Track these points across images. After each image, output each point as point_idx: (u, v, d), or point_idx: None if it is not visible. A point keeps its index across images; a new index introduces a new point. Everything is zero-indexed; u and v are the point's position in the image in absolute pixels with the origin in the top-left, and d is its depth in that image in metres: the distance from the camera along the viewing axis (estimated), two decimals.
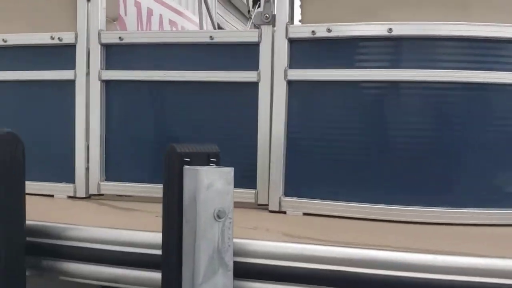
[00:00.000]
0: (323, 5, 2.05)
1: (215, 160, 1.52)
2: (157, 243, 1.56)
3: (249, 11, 6.16)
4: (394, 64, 1.97)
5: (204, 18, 4.93)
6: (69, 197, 2.37)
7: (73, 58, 2.34)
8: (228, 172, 1.44)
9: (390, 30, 1.93)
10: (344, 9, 2.02)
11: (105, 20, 2.34)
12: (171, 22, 4.78)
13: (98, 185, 2.34)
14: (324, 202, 2.04)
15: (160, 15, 4.50)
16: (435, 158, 1.97)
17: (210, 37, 2.17)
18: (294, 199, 2.09)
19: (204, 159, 1.50)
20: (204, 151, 1.50)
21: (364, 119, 2.03)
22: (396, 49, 1.97)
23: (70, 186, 2.36)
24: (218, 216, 1.41)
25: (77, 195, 2.36)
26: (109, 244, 1.65)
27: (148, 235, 1.62)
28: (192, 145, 1.50)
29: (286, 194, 2.11)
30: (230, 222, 1.44)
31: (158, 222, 1.90)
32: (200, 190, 1.38)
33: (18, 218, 1.62)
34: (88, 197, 2.38)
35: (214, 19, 5.11)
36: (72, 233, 1.72)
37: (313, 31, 2.02)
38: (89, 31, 2.32)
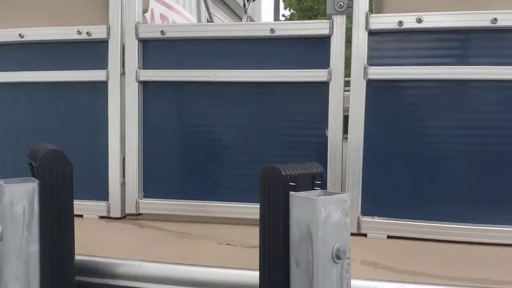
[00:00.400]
0: None
1: (319, 182, 1.21)
2: (246, 284, 1.25)
3: (244, 5, 5.86)
4: (498, 60, 1.67)
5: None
6: (101, 217, 2.04)
7: (104, 55, 2.00)
8: (345, 200, 1.13)
9: (494, 20, 1.64)
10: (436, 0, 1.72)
11: (142, 11, 2.01)
12: (162, 17, 4.52)
13: (137, 203, 2.01)
14: (415, 223, 1.74)
15: (152, 9, 4.22)
16: None
17: (271, 29, 1.85)
18: (376, 219, 1.78)
19: (309, 182, 1.19)
20: (309, 172, 1.19)
21: (460, 124, 1.73)
22: (502, 43, 1.67)
23: (102, 204, 2.03)
24: (338, 256, 1.10)
25: (111, 215, 2.03)
26: (181, 285, 1.33)
27: (232, 273, 1.31)
28: (292, 164, 1.19)
29: (365, 213, 1.80)
30: (348, 264, 1.13)
31: (226, 250, 1.60)
32: (317, 225, 1.07)
33: (67, 254, 1.29)
34: (123, 217, 2.05)
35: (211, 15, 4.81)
36: (129, 270, 1.40)
37: (400, 22, 1.71)
38: (123, 24, 1.98)
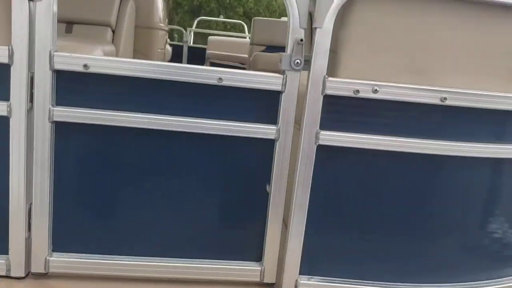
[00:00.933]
0: (367, 59, 1.68)
1: None
2: None
3: None
4: (444, 136, 1.73)
5: None
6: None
7: (5, 85, 1.61)
8: None
9: (444, 99, 1.68)
10: (391, 67, 1.69)
11: (56, 33, 1.63)
12: None
13: (46, 261, 1.73)
14: (351, 285, 1.79)
15: None
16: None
17: (219, 78, 1.66)
18: (313, 281, 1.79)
19: None
20: None
21: (402, 193, 1.78)
22: (448, 120, 1.73)
23: (1, 261, 1.70)
24: None
25: (12, 274, 1.72)
26: None
27: None
28: None
29: (301, 272, 1.79)
30: None
31: None
32: None
33: None
34: (26, 275, 1.75)
35: None
36: None
37: (356, 90, 1.66)
38: (33, 48, 1.60)
